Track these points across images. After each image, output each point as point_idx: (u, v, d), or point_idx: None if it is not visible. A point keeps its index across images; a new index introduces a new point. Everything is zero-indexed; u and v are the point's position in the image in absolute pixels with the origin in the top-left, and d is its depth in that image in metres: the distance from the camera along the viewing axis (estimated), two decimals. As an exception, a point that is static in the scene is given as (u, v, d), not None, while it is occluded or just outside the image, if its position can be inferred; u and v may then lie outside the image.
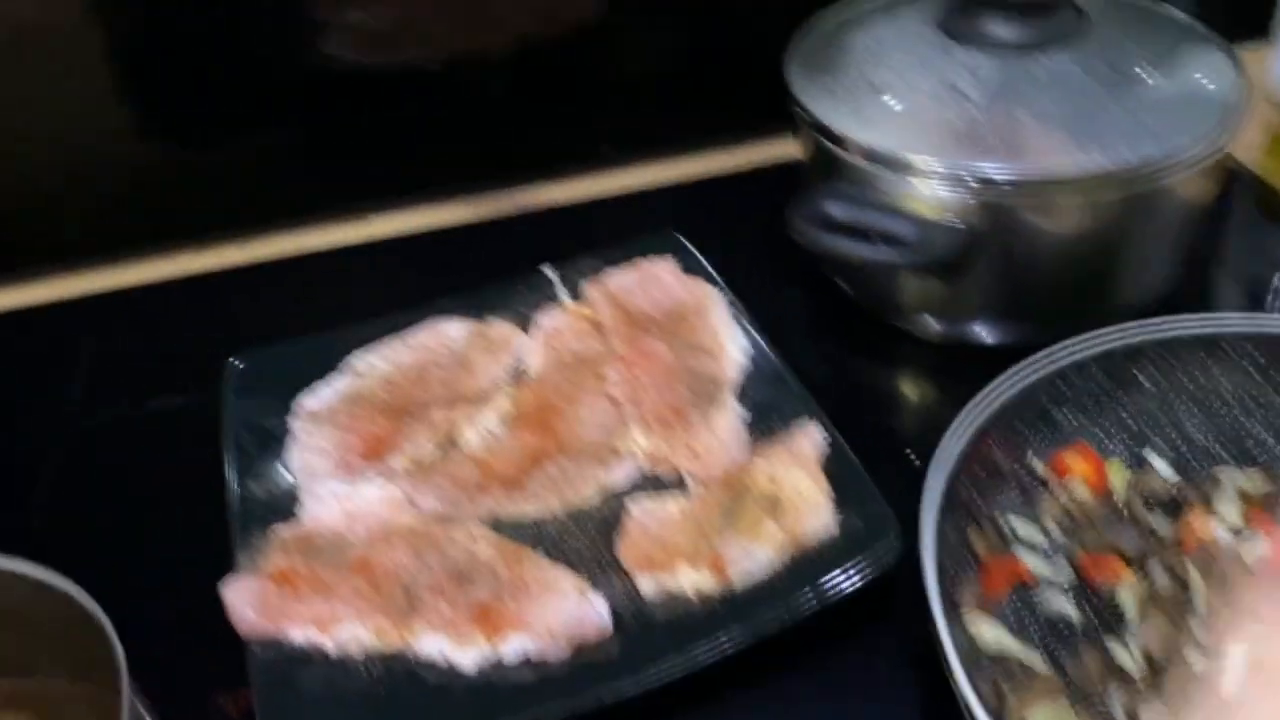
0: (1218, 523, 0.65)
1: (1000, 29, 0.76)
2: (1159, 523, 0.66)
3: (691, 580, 0.64)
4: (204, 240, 1.01)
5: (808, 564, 0.63)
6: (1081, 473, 0.68)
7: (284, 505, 0.71)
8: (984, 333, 0.80)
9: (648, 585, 0.64)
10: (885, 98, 0.76)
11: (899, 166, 0.73)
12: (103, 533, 0.75)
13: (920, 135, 0.73)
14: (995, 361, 0.72)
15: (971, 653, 0.60)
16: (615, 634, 0.63)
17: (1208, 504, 0.67)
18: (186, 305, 0.95)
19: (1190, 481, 0.68)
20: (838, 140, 0.75)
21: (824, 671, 0.63)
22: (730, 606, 0.63)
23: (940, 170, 0.72)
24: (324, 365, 0.80)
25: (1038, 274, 0.77)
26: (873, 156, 0.74)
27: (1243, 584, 0.61)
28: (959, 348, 0.82)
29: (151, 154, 1.00)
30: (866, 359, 0.84)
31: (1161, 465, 0.70)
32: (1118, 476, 0.69)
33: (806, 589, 0.61)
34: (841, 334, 0.86)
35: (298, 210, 1.03)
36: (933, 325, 0.82)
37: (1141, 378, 0.71)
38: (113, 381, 0.88)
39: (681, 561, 0.65)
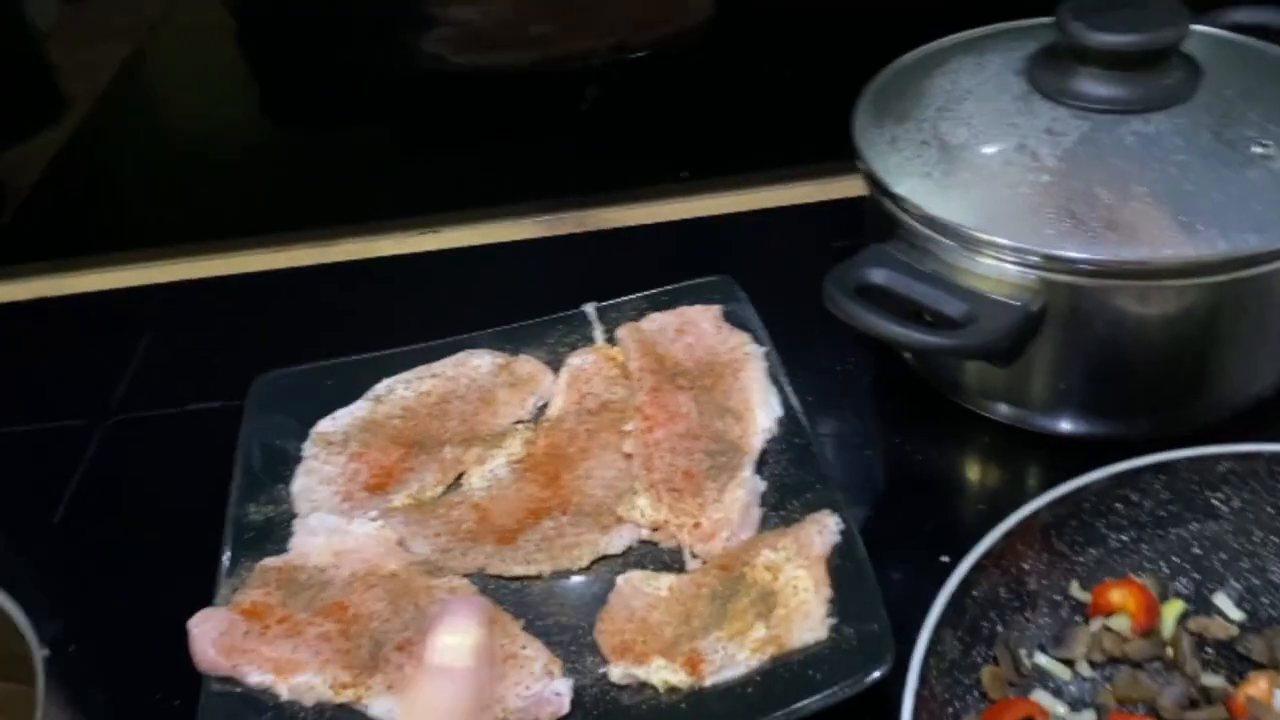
0: (1282, 689, 0.56)
1: (1094, 86, 0.67)
2: (1211, 679, 0.57)
3: (663, 676, 0.59)
4: (282, 237, 1.02)
5: (787, 675, 0.58)
6: (1129, 610, 0.60)
7: (280, 534, 0.70)
8: (1059, 423, 0.72)
9: (618, 673, 0.60)
10: (953, 156, 0.68)
11: (959, 237, 0.65)
12: (112, 541, 0.75)
13: (988, 203, 0.66)
14: (1071, 456, 0.65)
15: (955, 803, 0.53)
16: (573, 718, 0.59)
17: (1276, 664, 0.57)
18: (252, 304, 0.96)
19: (1261, 632, 0.59)
20: (894, 199, 0.68)
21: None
22: (696, 708, 0.58)
23: (1006, 245, 0.64)
24: (349, 388, 0.79)
25: (1114, 366, 0.68)
26: (930, 222, 0.66)
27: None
28: (1031, 437, 0.73)
29: (235, 147, 1.02)
30: (921, 438, 0.76)
31: (1229, 607, 0.61)
32: (1172, 618, 0.60)
33: (776, 705, 0.56)
34: (898, 406, 0.78)
35: (372, 214, 1.02)
36: (1000, 409, 0.74)
37: (1217, 502, 0.62)
38: (160, 377, 0.89)
39: (657, 655, 0.60)
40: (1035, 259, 0.63)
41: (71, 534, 0.76)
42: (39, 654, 0.53)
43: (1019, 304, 0.64)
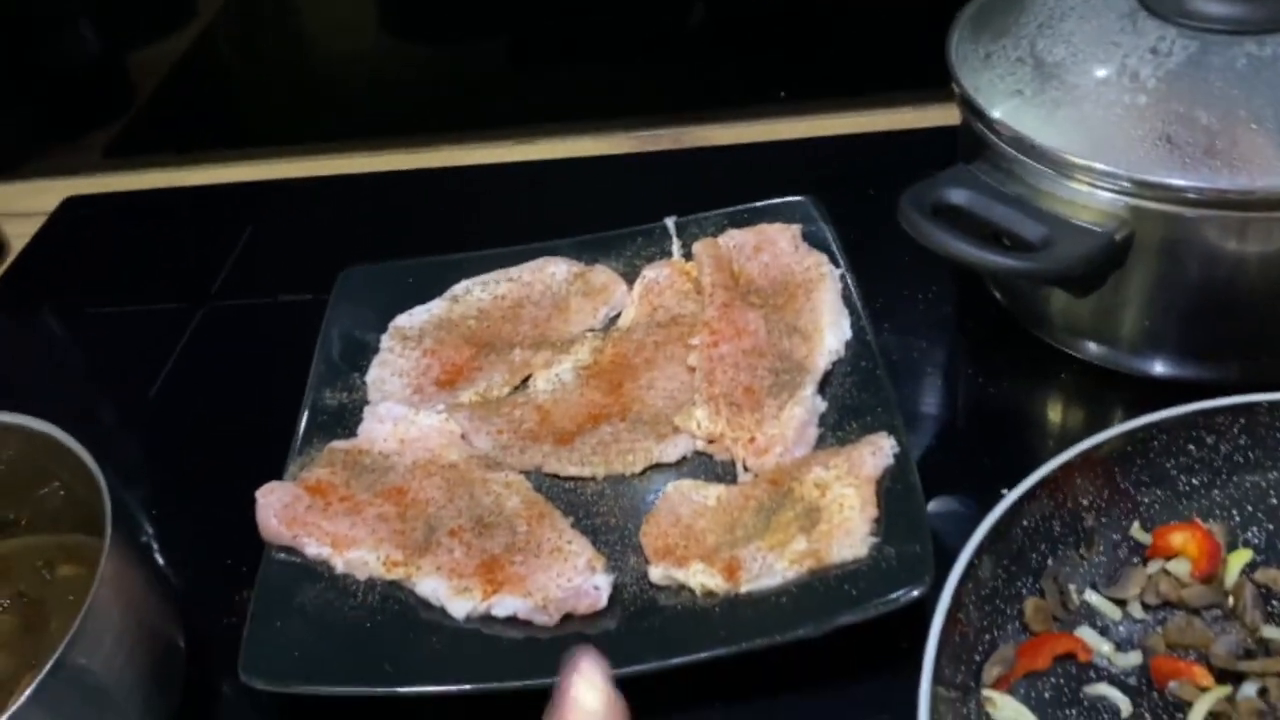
0: (1349, 648, 0.53)
1: (1209, 3, 0.62)
2: (1272, 631, 0.54)
3: (700, 579, 0.59)
4: (373, 142, 1.04)
5: (822, 589, 0.57)
6: (1190, 554, 0.57)
7: (351, 420, 0.72)
8: (1146, 363, 0.69)
9: (658, 573, 0.61)
10: (1048, 75, 0.64)
11: (1047, 158, 0.62)
12: (201, 418, 0.79)
13: (1080, 124, 0.62)
14: (1151, 398, 0.62)
15: (981, 730, 0.52)
16: (612, 615, 0.60)
17: (1346, 622, 0.54)
18: (348, 203, 0.99)
19: (1335, 589, 0.56)
20: (982, 116, 0.65)
21: (819, 710, 0.57)
22: (728, 613, 0.58)
23: (1096, 169, 0.61)
24: (428, 287, 0.80)
25: (1212, 303, 0.64)
26: (1018, 142, 0.63)
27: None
28: (1113, 377, 0.70)
29: (350, 56, 1.04)
30: (997, 371, 0.73)
31: (1302, 561, 0.57)
32: (1237, 567, 0.57)
33: (807, 617, 0.56)
34: (978, 339, 0.76)
35: (472, 124, 1.04)
36: (1086, 346, 0.71)
37: (1301, 451, 0.59)
38: (258, 268, 0.93)
39: (697, 560, 0.60)
40: (1126, 184, 0.60)
41: (164, 408, 0.81)
42: (109, 507, 0.56)
43: (1102, 230, 0.61)
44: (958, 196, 0.64)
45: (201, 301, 0.89)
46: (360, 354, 0.77)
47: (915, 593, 0.55)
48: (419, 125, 1.05)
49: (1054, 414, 0.72)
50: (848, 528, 0.59)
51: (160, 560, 0.70)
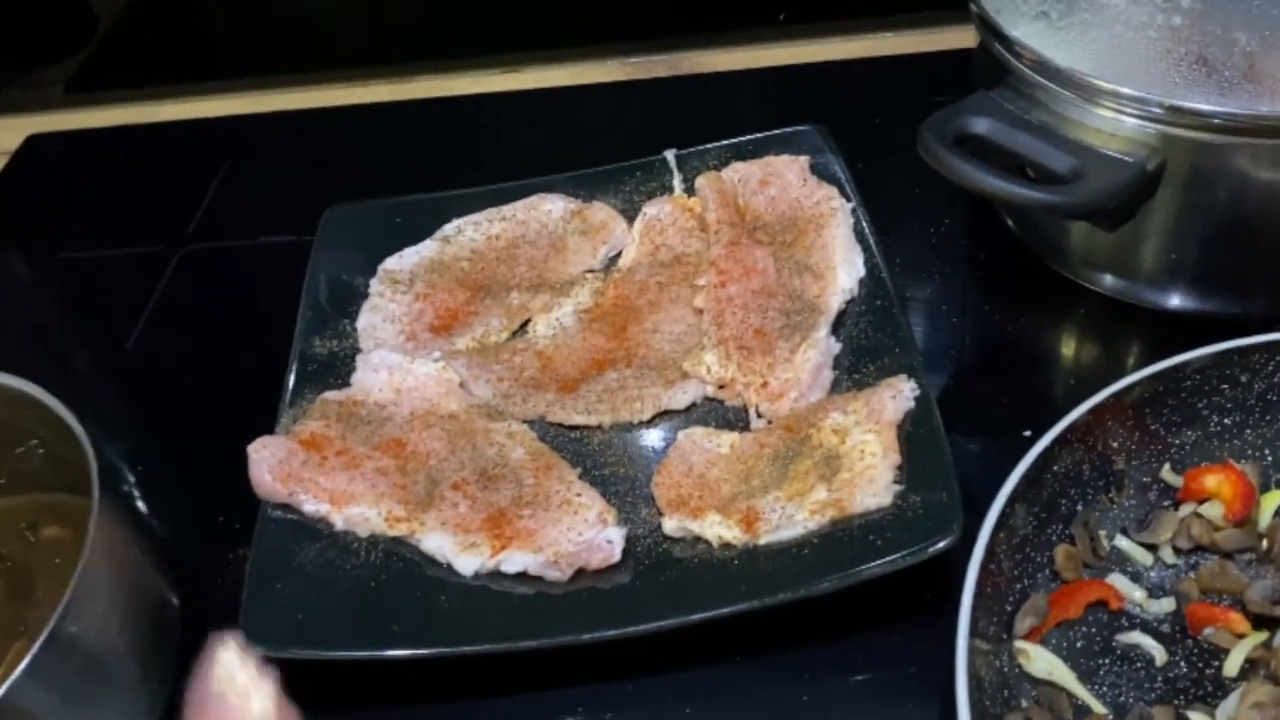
0: (1388, 590, 0.52)
1: (1246, -82, 0.59)
2: (1309, 574, 0.53)
3: (717, 531, 0.57)
4: (361, 73, 0.99)
5: (845, 539, 0.55)
6: (1224, 496, 0.55)
7: (343, 368, 0.69)
8: (1167, 298, 0.66)
9: (672, 525, 0.58)
10: (1076, -5, 0.61)
11: (1074, 84, 0.59)
12: (181, 370, 0.76)
13: (1109, 48, 0.59)
14: (1175, 335, 0.60)
15: (1013, 679, 0.50)
16: (626, 569, 0.58)
17: (1383, 564, 0.53)
18: (328, 138, 0.94)
19: (1370, 530, 0.54)
20: (1004, 39, 0.62)
21: (844, 659, 0.55)
22: (747, 566, 0.56)
23: (1126, 94, 0.58)
24: (418, 227, 0.77)
25: (1239, 235, 0.62)
26: (1043, 67, 0.60)
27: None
28: (1135, 312, 0.68)
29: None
30: (1016, 307, 0.71)
31: (1337, 502, 0.56)
32: (1271, 508, 0.55)
33: (831, 569, 0.54)
34: (995, 273, 0.73)
35: (453, 52, 0.98)
36: (1104, 280, 0.68)
37: (1337, 389, 0.57)
38: (236, 207, 0.88)
39: (712, 511, 0.58)
40: (1158, 110, 0.57)
41: (145, 358, 0.77)
42: (94, 468, 0.53)
43: (1133, 160, 0.58)
44: (980, 126, 0.61)
45: (178, 244, 0.85)
46: (349, 299, 0.73)
47: (944, 543, 0.53)
48: (403, 54, 0.99)
49: (1072, 350, 0.70)
50: (870, 475, 0.57)
51: (148, 520, 0.67)
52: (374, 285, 0.74)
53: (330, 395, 0.67)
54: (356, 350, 0.70)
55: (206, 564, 0.63)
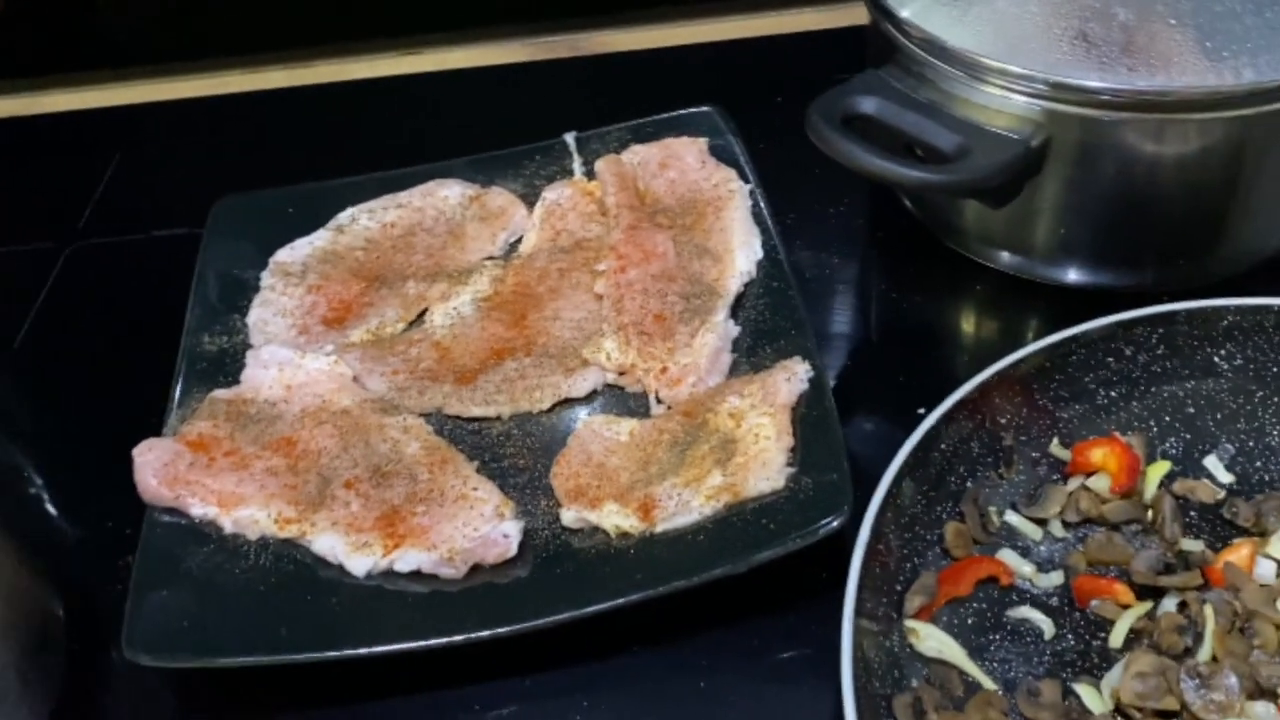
0: (1266, 557, 0.53)
1: (1126, -107, 0.59)
2: (1190, 544, 0.54)
3: (615, 521, 0.57)
4: (257, 59, 0.96)
5: (739, 524, 0.55)
6: (1110, 469, 0.56)
7: (233, 366, 0.67)
8: (1060, 272, 0.67)
9: (570, 516, 0.58)
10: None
11: (959, 61, 0.59)
12: (69, 369, 0.74)
13: (992, 25, 0.60)
14: (1070, 308, 0.61)
15: (904, 659, 0.51)
16: (523, 563, 0.57)
17: (1262, 531, 0.54)
18: (223, 127, 0.92)
19: (1250, 497, 0.55)
20: (891, 18, 0.62)
21: (740, 645, 0.55)
22: (643, 555, 0.55)
23: (1010, 71, 0.58)
24: (312, 216, 0.75)
25: (1128, 209, 0.62)
26: (927, 45, 0.60)
27: (1270, 643, 0.49)
28: (1030, 287, 0.68)
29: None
30: (912, 286, 0.71)
31: (1218, 470, 0.57)
32: (1155, 479, 0.56)
33: (724, 555, 0.53)
34: (892, 252, 0.74)
35: (349, 34, 0.96)
36: (1000, 256, 0.69)
37: (1217, 358, 0.58)
38: (128, 200, 0.86)
39: (610, 500, 0.57)
40: (1041, 87, 0.57)
41: (30, 358, 0.74)
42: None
43: (1017, 138, 0.58)
44: (868, 105, 0.61)
45: (67, 240, 0.82)
46: (240, 293, 0.71)
47: (834, 524, 0.53)
48: (299, 39, 0.97)
49: (970, 327, 0.70)
50: (764, 459, 0.57)
51: (31, 527, 0.65)
52: (265, 278, 0.72)
53: (219, 394, 0.65)
54: (248, 347, 0.68)
55: (94, 572, 0.61)
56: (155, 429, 0.63)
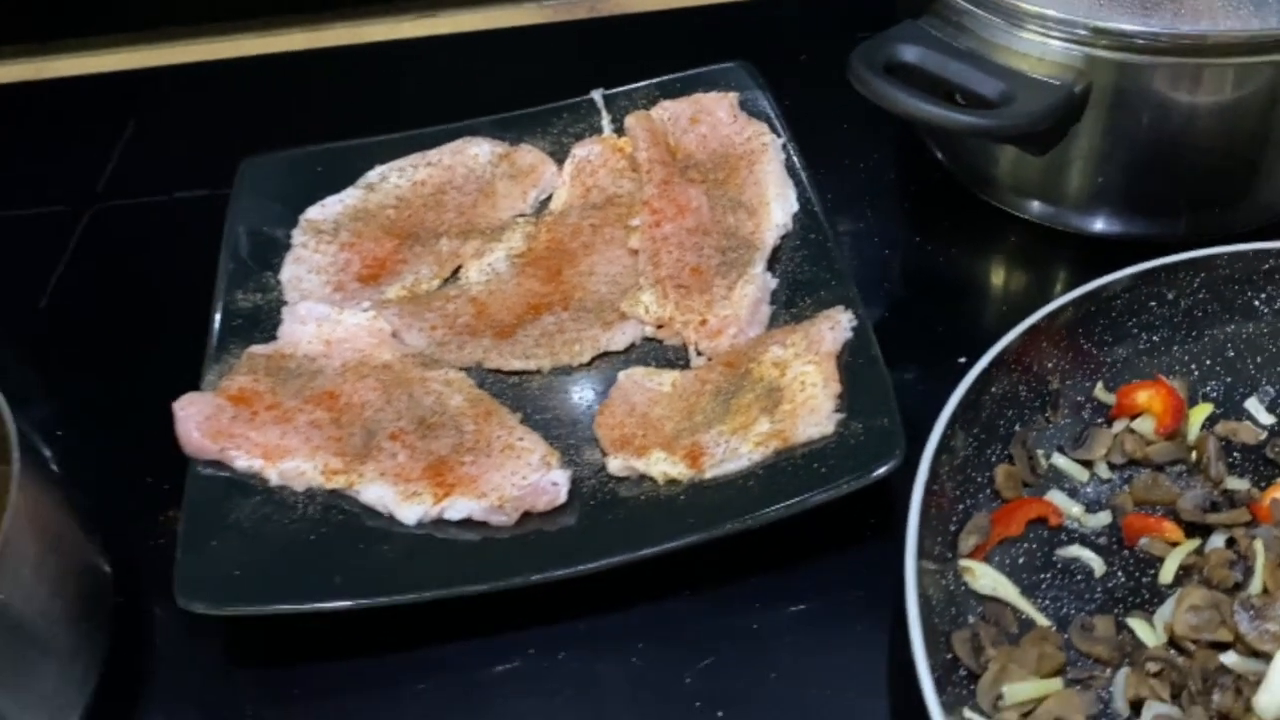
0: (1311, 494, 0.54)
1: None
2: (1235, 483, 0.55)
3: (662, 468, 0.57)
4: (272, 21, 0.95)
5: (790, 469, 0.55)
6: (1154, 411, 0.57)
7: (269, 322, 0.67)
8: (1094, 222, 0.68)
9: (617, 465, 0.58)
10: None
11: (999, 9, 0.59)
12: (99, 327, 0.73)
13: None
14: (1102, 257, 0.61)
15: (959, 596, 0.51)
16: (571, 511, 0.57)
17: (1306, 469, 0.55)
18: (240, 90, 0.91)
19: (1292, 438, 0.56)
20: (929, -33, 0.62)
21: (792, 587, 0.55)
22: (694, 500, 0.56)
23: (1051, 17, 0.58)
24: (342, 175, 0.74)
25: (1162, 157, 0.63)
26: (969, -8, 0.60)
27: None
28: (1062, 237, 0.69)
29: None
30: (946, 237, 0.71)
31: (1259, 412, 0.57)
32: (1198, 421, 0.57)
33: (777, 498, 0.54)
34: (923, 204, 0.74)
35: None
36: (1032, 206, 0.69)
37: (1257, 302, 0.58)
38: (147, 163, 0.85)
39: (656, 448, 0.58)
40: (1082, 33, 0.58)
41: (58, 320, 0.74)
42: (14, 433, 0.51)
43: (1060, 83, 0.58)
44: (910, 54, 0.61)
45: (87, 203, 0.81)
46: (271, 251, 0.71)
47: (888, 466, 0.53)
48: (314, 2, 0.96)
49: (1004, 277, 0.71)
50: (812, 405, 0.57)
51: (74, 484, 0.64)
52: (296, 236, 0.71)
53: (257, 349, 0.65)
54: (281, 303, 0.68)
55: (135, 527, 0.61)
56: (189, 386, 0.63)
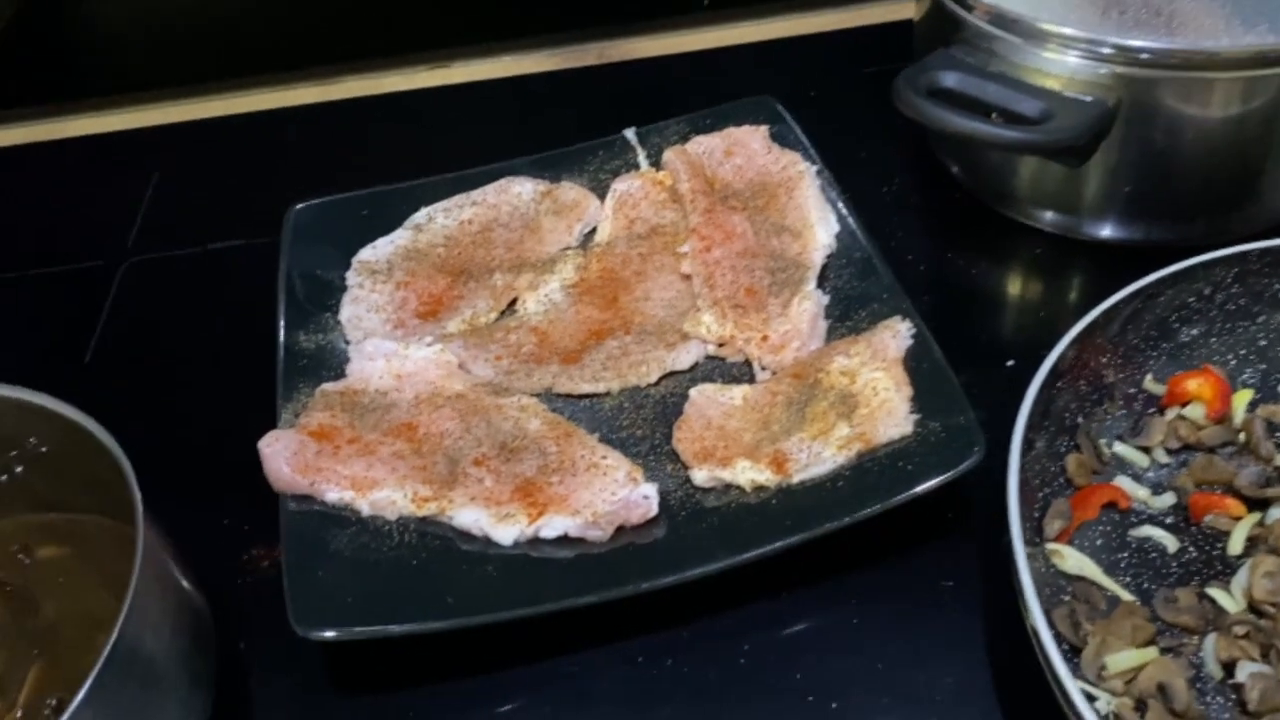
0: (1354, 466, 0.58)
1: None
2: (1284, 459, 0.59)
3: (749, 476, 0.59)
4: (285, 76, 0.97)
5: (876, 469, 0.58)
6: (1203, 398, 0.60)
7: (333, 361, 0.68)
8: (1109, 230, 0.72)
9: (702, 476, 0.60)
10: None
11: (1028, 32, 0.64)
12: (149, 378, 0.73)
13: (1058, -1, 0.64)
14: (1121, 263, 0.65)
15: (1049, 578, 0.54)
16: (661, 523, 0.59)
17: (1343, 444, 0.59)
18: (259, 143, 0.92)
19: (1328, 417, 0.60)
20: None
21: (885, 582, 0.58)
22: (786, 504, 0.58)
23: (1078, 38, 0.63)
24: (387, 218, 0.76)
25: (1179, 165, 0.67)
26: (1000, 19, 0.65)
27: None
28: (1080, 245, 0.73)
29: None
30: (974, 252, 0.75)
31: (1296, 396, 0.62)
32: (1242, 405, 0.61)
33: (869, 496, 0.56)
34: (949, 222, 0.78)
35: (380, 50, 0.98)
36: (1051, 218, 0.73)
37: (1286, 295, 0.63)
38: (175, 217, 0.85)
39: (741, 458, 0.60)
40: (1107, 51, 0.62)
41: (104, 374, 0.74)
42: (138, 497, 0.51)
43: (1094, 99, 0.63)
44: (949, 79, 0.65)
45: (120, 257, 0.82)
46: (326, 293, 0.72)
47: (971, 461, 0.56)
48: (312, 56, 0.98)
49: (1031, 285, 0.75)
50: (888, 408, 0.60)
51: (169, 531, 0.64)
52: (351, 278, 0.73)
53: (328, 387, 0.66)
54: (343, 343, 0.69)
55: (221, 568, 0.61)
56: (254, 429, 0.63)
